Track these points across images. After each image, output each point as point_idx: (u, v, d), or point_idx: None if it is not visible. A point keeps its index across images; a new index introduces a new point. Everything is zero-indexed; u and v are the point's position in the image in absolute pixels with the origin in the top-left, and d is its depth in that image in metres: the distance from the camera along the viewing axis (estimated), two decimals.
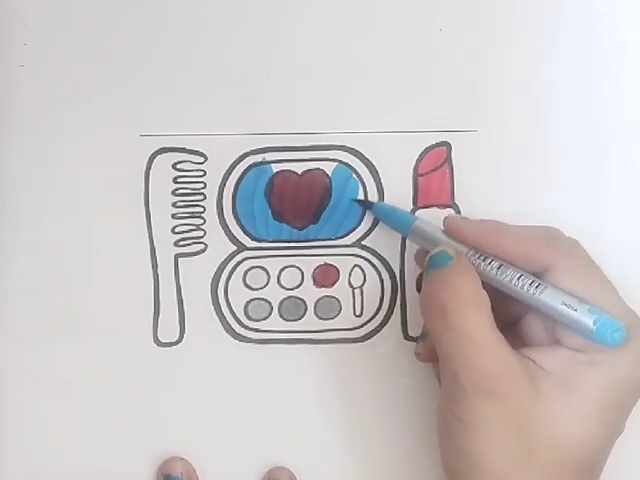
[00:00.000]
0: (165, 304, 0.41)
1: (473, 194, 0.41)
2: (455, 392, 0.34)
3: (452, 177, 0.41)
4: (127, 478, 0.40)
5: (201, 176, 0.41)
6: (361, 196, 0.41)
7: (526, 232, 0.36)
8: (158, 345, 0.41)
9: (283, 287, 0.41)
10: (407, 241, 0.41)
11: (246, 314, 0.41)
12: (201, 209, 0.41)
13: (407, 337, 0.41)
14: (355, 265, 0.41)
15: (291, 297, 0.41)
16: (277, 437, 0.41)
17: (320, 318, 0.41)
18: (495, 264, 0.36)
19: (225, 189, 0.41)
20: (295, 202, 0.41)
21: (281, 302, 0.41)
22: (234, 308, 0.41)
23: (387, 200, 0.41)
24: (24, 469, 0.41)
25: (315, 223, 0.41)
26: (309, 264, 0.41)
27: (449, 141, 0.41)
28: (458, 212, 0.41)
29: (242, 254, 0.41)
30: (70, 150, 0.41)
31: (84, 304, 0.41)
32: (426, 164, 0.41)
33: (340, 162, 0.41)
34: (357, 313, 0.41)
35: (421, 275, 0.39)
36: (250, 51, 0.42)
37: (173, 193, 0.41)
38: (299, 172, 0.41)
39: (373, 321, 0.41)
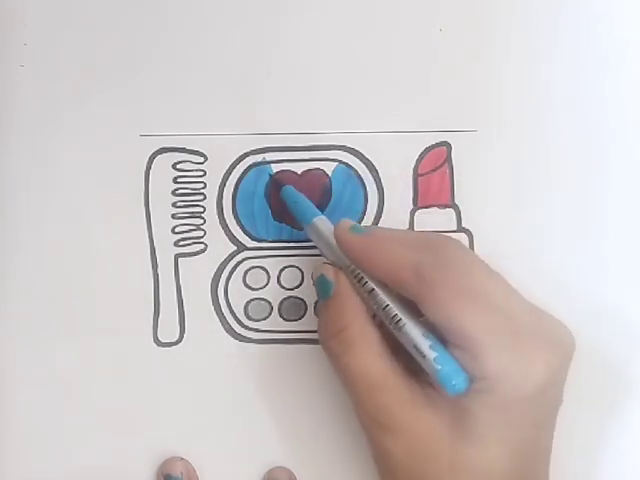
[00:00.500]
0: (165, 304, 0.41)
1: (473, 194, 0.41)
2: (363, 428, 0.35)
3: (452, 177, 0.41)
4: (127, 478, 0.40)
5: (201, 176, 0.41)
6: (361, 196, 0.41)
7: (398, 255, 0.34)
8: (158, 345, 0.41)
9: (283, 287, 0.41)
10: None
11: (246, 314, 0.41)
12: (201, 209, 0.41)
13: None
14: None
15: (291, 297, 0.41)
16: (277, 437, 0.41)
17: None
18: (368, 287, 0.35)
19: (225, 189, 0.41)
20: None
21: (281, 302, 0.41)
22: (234, 308, 0.41)
23: (387, 200, 0.41)
24: (24, 469, 0.41)
25: None
26: (309, 264, 0.41)
27: (449, 141, 0.41)
28: (458, 212, 0.41)
29: (242, 254, 0.41)
30: (70, 150, 0.41)
31: (84, 304, 0.41)
32: (426, 164, 0.41)
33: (340, 162, 0.41)
34: None
35: None
36: (250, 51, 0.42)
37: (173, 193, 0.41)
38: (299, 172, 0.41)
39: None
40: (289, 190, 0.40)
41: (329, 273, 0.36)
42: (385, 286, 0.35)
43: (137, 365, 0.41)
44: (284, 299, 0.41)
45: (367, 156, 0.41)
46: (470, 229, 0.41)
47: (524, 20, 0.42)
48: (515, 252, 0.40)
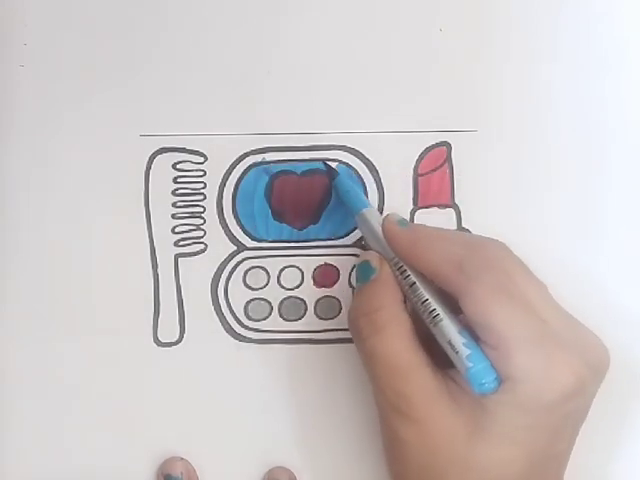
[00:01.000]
0: (165, 304, 0.41)
1: (473, 194, 0.41)
2: (379, 411, 0.35)
3: (452, 177, 0.41)
4: (127, 478, 0.40)
5: (201, 176, 0.41)
6: (362, 196, 0.41)
7: (444, 250, 0.35)
8: (158, 345, 0.41)
9: (283, 287, 0.41)
10: None
11: (246, 314, 0.41)
12: (201, 209, 0.41)
13: None
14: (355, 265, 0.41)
15: (291, 297, 0.41)
16: (277, 437, 0.41)
17: (320, 318, 0.41)
18: (410, 280, 0.35)
19: (225, 189, 0.41)
20: (295, 202, 0.41)
21: (281, 302, 0.41)
22: (234, 308, 0.41)
23: (387, 200, 0.41)
24: (24, 469, 0.41)
25: (315, 223, 0.41)
26: (309, 264, 0.41)
27: (449, 141, 0.41)
28: (458, 212, 0.41)
29: (242, 254, 0.41)
30: (70, 150, 0.41)
31: (84, 304, 0.41)
32: (426, 164, 0.41)
33: (340, 162, 0.41)
34: None
35: None
36: (250, 51, 0.42)
37: (173, 193, 0.41)
38: (299, 172, 0.41)
39: None
40: (342, 179, 0.40)
41: (374, 260, 0.36)
42: (426, 281, 0.35)
43: (137, 365, 0.41)
44: (284, 299, 0.41)
45: (367, 156, 0.41)
46: (470, 229, 0.41)
47: (524, 20, 0.42)
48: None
